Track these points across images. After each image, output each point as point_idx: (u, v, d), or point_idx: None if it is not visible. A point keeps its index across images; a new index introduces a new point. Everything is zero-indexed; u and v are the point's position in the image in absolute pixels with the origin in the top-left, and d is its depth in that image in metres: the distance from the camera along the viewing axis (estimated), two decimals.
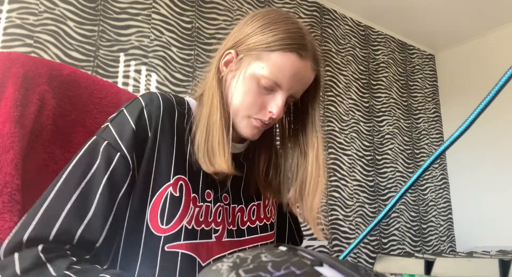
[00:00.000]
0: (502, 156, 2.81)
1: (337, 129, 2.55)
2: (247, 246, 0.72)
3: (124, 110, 0.64)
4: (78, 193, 0.56)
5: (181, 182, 0.65)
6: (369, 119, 2.78)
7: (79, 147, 0.81)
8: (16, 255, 0.50)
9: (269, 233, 0.78)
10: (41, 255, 0.50)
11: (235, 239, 0.71)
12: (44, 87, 0.74)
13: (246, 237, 0.73)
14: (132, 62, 1.86)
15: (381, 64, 3.00)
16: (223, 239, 0.69)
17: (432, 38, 3.20)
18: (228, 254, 0.68)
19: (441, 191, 3.10)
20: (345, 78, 2.72)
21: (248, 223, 0.75)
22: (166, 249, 0.61)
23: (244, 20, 0.71)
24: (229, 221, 0.72)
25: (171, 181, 0.63)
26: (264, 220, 0.77)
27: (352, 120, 2.67)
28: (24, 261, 0.49)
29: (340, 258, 0.37)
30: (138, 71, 1.86)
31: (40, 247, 0.51)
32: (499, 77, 0.31)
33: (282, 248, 0.28)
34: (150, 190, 0.62)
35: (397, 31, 3.13)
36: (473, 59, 3.13)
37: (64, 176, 0.58)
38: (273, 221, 0.80)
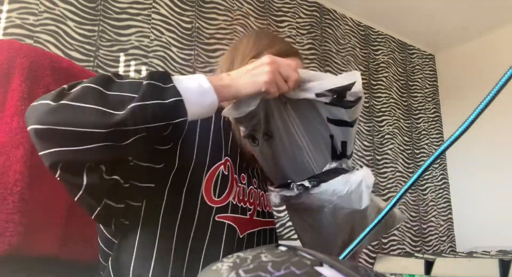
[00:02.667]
0: (502, 156, 2.81)
1: None
2: (267, 227, 0.80)
3: None
4: None
5: (228, 163, 0.73)
6: (369, 119, 2.78)
7: None
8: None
9: (272, 219, 0.86)
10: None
11: (261, 219, 0.79)
12: (48, 80, 0.73)
13: (267, 219, 0.82)
14: (132, 62, 1.86)
15: (381, 64, 2.99)
16: (254, 217, 0.77)
17: (432, 38, 3.19)
18: (257, 230, 0.77)
19: (441, 191, 3.10)
20: None
21: (268, 208, 0.83)
22: (216, 219, 0.68)
23: (253, 36, 0.84)
24: (257, 202, 0.80)
25: (222, 161, 0.71)
26: (268, 208, 0.86)
27: None
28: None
29: (340, 258, 0.37)
30: (138, 71, 1.86)
31: None
32: (499, 77, 0.31)
33: (282, 248, 0.28)
34: (206, 165, 0.68)
35: (397, 31, 3.13)
36: (473, 59, 3.12)
37: None
38: (271, 211, 0.90)
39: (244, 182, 0.76)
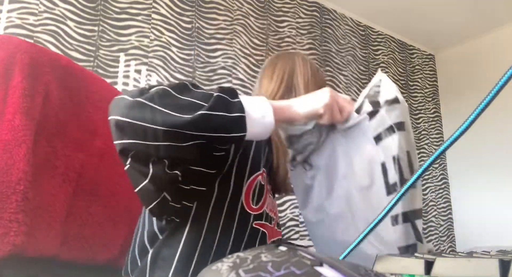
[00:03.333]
0: (502, 156, 2.81)
1: None
2: (279, 238, 0.84)
3: None
4: None
5: (264, 174, 0.77)
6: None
7: (75, 142, 0.79)
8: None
9: (280, 230, 0.90)
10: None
11: (277, 229, 0.83)
12: (48, 77, 0.71)
13: (279, 230, 0.85)
14: (132, 62, 1.85)
15: (381, 64, 2.99)
16: (275, 227, 0.81)
17: (432, 38, 3.19)
18: (275, 240, 0.80)
19: (441, 191, 3.10)
20: (345, 78, 2.71)
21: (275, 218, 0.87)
22: (253, 225, 0.73)
23: (304, 61, 0.91)
24: (274, 212, 0.84)
25: (260, 171, 0.75)
26: (277, 219, 0.89)
27: None
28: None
29: (340, 258, 0.37)
30: (138, 71, 1.86)
31: None
32: (499, 77, 0.31)
33: (282, 248, 0.28)
34: (246, 174, 0.72)
35: (397, 31, 3.13)
36: (473, 59, 3.12)
37: None
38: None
39: (270, 193, 0.82)
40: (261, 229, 0.74)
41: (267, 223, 0.76)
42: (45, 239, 0.69)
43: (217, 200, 0.68)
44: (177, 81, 0.61)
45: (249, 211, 0.72)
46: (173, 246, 0.66)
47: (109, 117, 0.54)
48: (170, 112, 0.52)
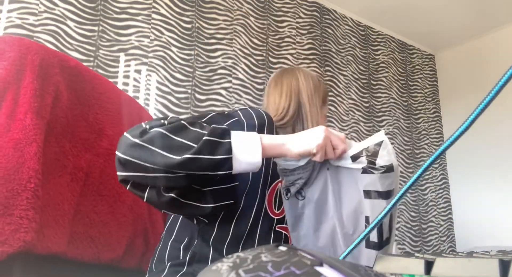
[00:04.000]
0: (502, 156, 2.81)
1: (337, 129, 2.55)
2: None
3: (242, 112, 0.79)
4: None
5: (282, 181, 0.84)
6: (369, 119, 2.78)
7: (82, 142, 0.80)
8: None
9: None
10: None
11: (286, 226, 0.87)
12: (58, 78, 0.72)
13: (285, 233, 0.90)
14: (132, 62, 1.85)
15: (381, 64, 2.99)
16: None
17: (432, 38, 3.19)
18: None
19: (441, 191, 3.10)
20: (345, 78, 2.71)
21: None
22: (276, 229, 0.79)
23: (307, 77, 0.99)
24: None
25: (280, 178, 0.81)
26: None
27: (352, 120, 2.67)
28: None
29: (340, 258, 0.37)
30: (138, 71, 1.86)
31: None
32: (499, 77, 0.31)
33: (282, 248, 0.28)
34: (269, 180, 0.78)
35: (397, 31, 3.13)
36: (473, 59, 3.12)
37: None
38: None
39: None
40: (284, 232, 0.81)
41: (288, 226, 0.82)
42: (53, 236, 0.69)
43: (244, 207, 0.74)
44: (177, 119, 0.66)
45: (272, 215, 0.79)
46: (203, 247, 0.74)
47: (116, 153, 0.62)
48: (165, 153, 0.60)
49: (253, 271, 0.22)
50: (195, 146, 0.61)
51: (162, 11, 2.00)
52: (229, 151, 0.63)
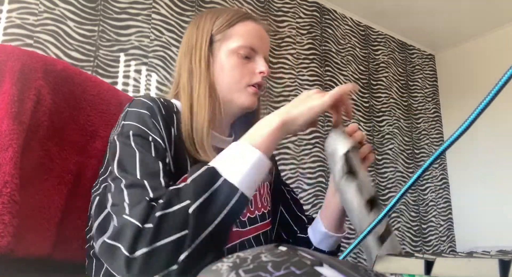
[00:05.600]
0: (502, 156, 2.81)
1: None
2: (250, 236, 0.76)
3: (130, 108, 0.66)
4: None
5: None
6: (369, 119, 2.78)
7: (73, 144, 0.79)
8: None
9: (266, 221, 0.82)
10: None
11: (240, 229, 0.74)
12: (40, 82, 0.72)
13: (248, 227, 0.76)
14: (132, 62, 1.85)
15: (381, 64, 2.99)
16: (246, 226, 0.75)
17: (432, 38, 3.19)
18: (235, 244, 0.72)
19: (441, 191, 3.10)
20: (345, 78, 2.71)
21: (248, 214, 0.78)
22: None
23: (194, 23, 0.79)
24: (252, 209, 0.77)
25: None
26: (262, 209, 0.81)
27: (352, 120, 2.67)
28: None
29: (340, 258, 0.37)
30: (138, 71, 1.86)
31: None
32: (499, 77, 0.31)
33: (282, 248, 0.28)
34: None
35: (397, 31, 3.13)
36: (473, 59, 3.12)
37: (124, 181, 0.57)
38: (269, 209, 0.84)
39: None
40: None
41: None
42: (36, 240, 0.69)
43: None
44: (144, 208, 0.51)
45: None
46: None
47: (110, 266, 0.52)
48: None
49: (253, 271, 0.22)
50: (187, 232, 0.48)
51: (162, 11, 2.00)
52: (232, 188, 0.51)
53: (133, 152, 0.59)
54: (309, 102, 0.60)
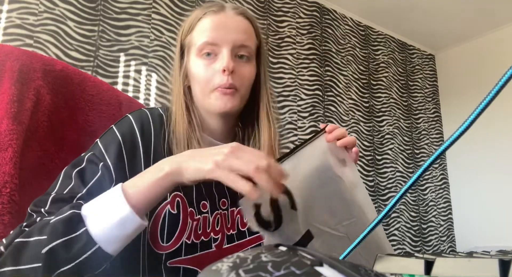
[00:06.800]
0: (502, 156, 2.81)
1: None
2: (249, 247, 0.72)
3: (114, 126, 0.65)
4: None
5: (177, 198, 0.65)
6: (369, 119, 2.78)
7: (72, 145, 0.79)
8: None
9: None
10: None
11: (236, 242, 0.71)
12: (39, 82, 0.72)
13: (248, 238, 0.73)
14: (132, 62, 1.85)
15: (381, 64, 2.99)
16: (224, 246, 0.70)
17: (432, 38, 3.20)
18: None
19: (441, 191, 3.10)
20: (345, 78, 2.71)
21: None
22: (168, 265, 0.63)
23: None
24: (229, 226, 0.72)
25: (169, 199, 0.64)
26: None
27: (352, 120, 2.67)
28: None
29: (340, 258, 0.37)
30: (138, 71, 1.86)
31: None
32: (499, 77, 0.31)
33: (282, 248, 0.28)
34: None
35: (397, 31, 3.13)
36: (473, 59, 3.12)
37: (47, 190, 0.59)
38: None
39: (205, 210, 0.69)
40: (182, 265, 0.64)
41: (198, 254, 0.66)
42: None
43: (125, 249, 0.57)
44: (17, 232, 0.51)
45: (158, 251, 0.62)
46: None
47: None
48: None
49: (253, 271, 0.22)
50: (39, 265, 0.45)
51: (162, 11, 2.00)
52: (90, 240, 0.47)
53: (72, 175, 0.59)
54: (203, 161, 0.50)
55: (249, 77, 0.71)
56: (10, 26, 1.56)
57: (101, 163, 0.60)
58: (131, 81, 1.83)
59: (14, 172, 0.64)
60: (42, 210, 0.54)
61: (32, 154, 0.70)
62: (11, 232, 0.52)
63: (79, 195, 0.56)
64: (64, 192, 0.57)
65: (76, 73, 0.83)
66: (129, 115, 0.67)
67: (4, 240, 0.50)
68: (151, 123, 0.67)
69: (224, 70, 0.66)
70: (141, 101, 1.83)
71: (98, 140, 0.64)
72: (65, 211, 0.50)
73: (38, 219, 0.53)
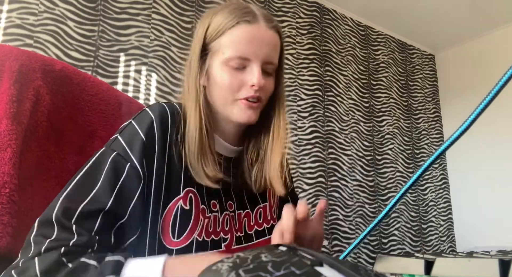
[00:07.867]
0: (502, 156, 2.81)
1: (337, 129, 2.55)
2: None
3: (133, 122, 0.65)
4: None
5: (190, 194, 0.66)
6: (369, 119, 2.78)
7: (72, 145, 0.79)
8: (36, 258, 0.50)
9: None
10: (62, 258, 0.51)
11: (244, 244, 0.72)
12: (39, 82, 0.72)
13: (255, 241, 0.74)
14: (132, 62, 1.85)
15: (381, 64, 2.99)
16: (233, 247, 0.70)
17: (432, 38, 3.19)
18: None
19: (441, 191, 3.10)
20: (345, 78, 2.71)
21: (256, 227, 0.75)
22: None
23: (199, 24, 0.74)
24: (236, 228, 0.72)
25: (181, 194, 0.65)
26: (271, 222, 0.78)
27: (352, 121, 2.67)
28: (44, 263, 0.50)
29: (340, 258, 0.37)
30: (138, 71, 1.86)
31: (62, 250, 0.51)
32: (499, 77, 0.31)
33: (282, 248, 0.28)
34: (162, 204, 0.63)
35: (397, 31, 3.13)
36: (473, 59, 3.12)
37: (67, 190, 0.57)
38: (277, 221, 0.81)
39: (215, 209, 0.69)
40: None
41: (211, 251, 0.66)
42: None
43: (136, 240, 0.61)
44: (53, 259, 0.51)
45: (170, 247, 0.62)
46: None
47: None
48: None
49: (253, 271, 0.22)
50: None
51: (162, 11, 2.00)
52: None
53: (97, 179, 0.58)
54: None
55: (271, 91, 0.72)
56: (10, 26, 1.56)
57: (128, 164, 0.60)
58: (131, 81, 1.83)
59: (13, 172, 0.63)
60: (74, 229, 0.54)
61: (31, 154, 0.70)
62: (49, 252, 0.50)
63: (107, 207, 0.56)
64: (89, 199, 0.56)
65: (76, 73, 0.83)
66: (150, 112, 0.66)
67: (37, 261, 0.49)
68: (169, 123, 0.67)
69: (253, 86, 0.67)
70: (141, 101, 1.83)
71: (118, 135, 0.63)
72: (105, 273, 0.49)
73: (75, 242, 0.52)
